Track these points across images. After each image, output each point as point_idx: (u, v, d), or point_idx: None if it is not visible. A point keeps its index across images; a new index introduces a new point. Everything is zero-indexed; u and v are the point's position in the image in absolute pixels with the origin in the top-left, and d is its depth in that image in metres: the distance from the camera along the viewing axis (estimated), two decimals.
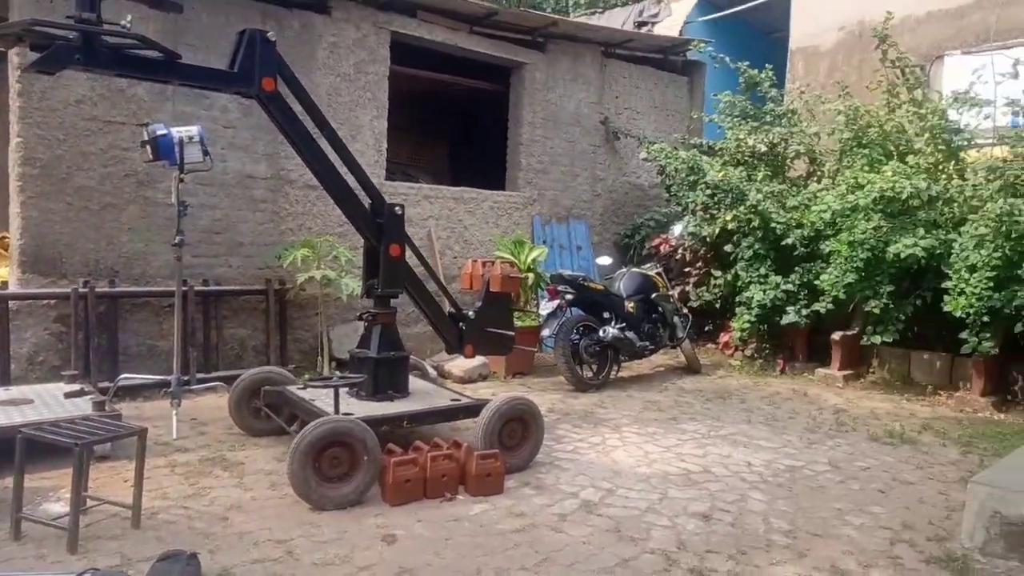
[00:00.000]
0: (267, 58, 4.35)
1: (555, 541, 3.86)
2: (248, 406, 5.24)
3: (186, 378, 5.65)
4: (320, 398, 4.84)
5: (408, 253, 5.07)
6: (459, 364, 7.44)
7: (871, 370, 7.99)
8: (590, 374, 7.31)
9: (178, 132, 4.87)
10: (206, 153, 5.01)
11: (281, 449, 4.91)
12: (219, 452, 4.95)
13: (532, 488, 4.62)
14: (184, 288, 6.33)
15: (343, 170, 4.91)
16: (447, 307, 5.53)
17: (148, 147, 4.85)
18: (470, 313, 5.42)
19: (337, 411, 4.39)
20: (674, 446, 5.56)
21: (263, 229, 7.14)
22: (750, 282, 8.24)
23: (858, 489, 4.81)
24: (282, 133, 4.71)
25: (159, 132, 4.84)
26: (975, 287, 6.48)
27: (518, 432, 4.87)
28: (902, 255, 6.91)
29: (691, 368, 8.25)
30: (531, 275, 7.71)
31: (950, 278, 6.73)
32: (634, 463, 5.14)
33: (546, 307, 7.14)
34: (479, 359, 7.56)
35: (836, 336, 7.89)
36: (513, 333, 5.60)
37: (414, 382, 5.46)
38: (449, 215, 8.46)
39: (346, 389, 5.11)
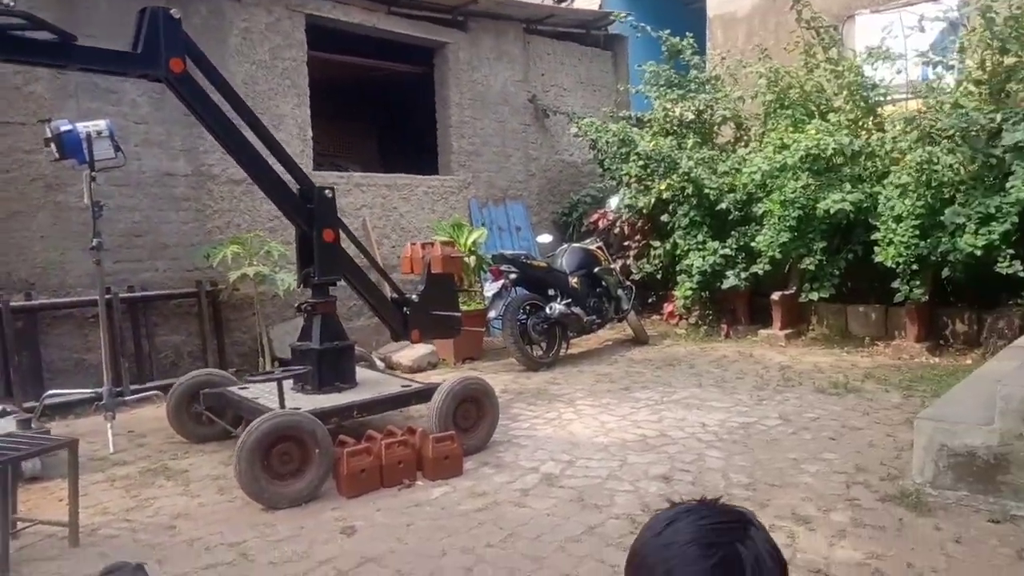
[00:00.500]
0: (172, 37, 4.08)
1: (519, 516, 3.79)
2: (188, 412, 4.99)
3: (119, 389, 5.34)
4: (264, 395, 4.64)
5: (344, 240, 4.90)
6: (407, 354, 7.30)
7: (811, 327, 8.19)
8: (540, 352, 7.26)
9: (84, 127, 4.57)
10: (118, 149, 4.72)
11: (227, 453, 4.68)
12: (161, 462, 4.69)
13: (492, 467, 4.54)
14: (108, 296, 5.98)
15: (268, 156, 4.69)
16: (389, 293, 5.38)
17: (52, 145, 4.52)
18: (413, 297, 5.28)
19: (283, 406, 4.20)
20: (629, 414, 5.57)
21: (188, 229, 6.82)
22: (689, 250, 8.33)
23: (810, 439, 4.90)
24: (198, 119, 4.45)
25: (63, 128, 4.52)
26: (902, 236, 6.69)
27: (472, 412, 4.78)
28: (831, 211, 7.07)
29: (639, 339, 8.30)
30: (473, 258, 7.61)
31: (878, 229, 6.93)
32: (591, 434, 5.11)
33: (490, 288, 7.05)
34: (427, 347, 7.44)
35: (775, 296, 8.06)
36: (459, 314, 5.50)
37: (362, 372, 5.30)
38: (383, 203, 8.27)
39: (291, 384, 4.93)
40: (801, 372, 6.71)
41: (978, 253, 6.19)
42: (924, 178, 6.62)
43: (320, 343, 4.75)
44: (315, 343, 4.75)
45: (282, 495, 3.91)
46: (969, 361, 6.71)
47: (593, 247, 8.08)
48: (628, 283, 8.42)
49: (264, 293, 6.94)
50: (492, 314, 7.03)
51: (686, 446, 4.80)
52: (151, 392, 5.54)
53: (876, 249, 6.94)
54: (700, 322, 8.82)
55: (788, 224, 7.39)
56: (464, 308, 7.12)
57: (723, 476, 4.27)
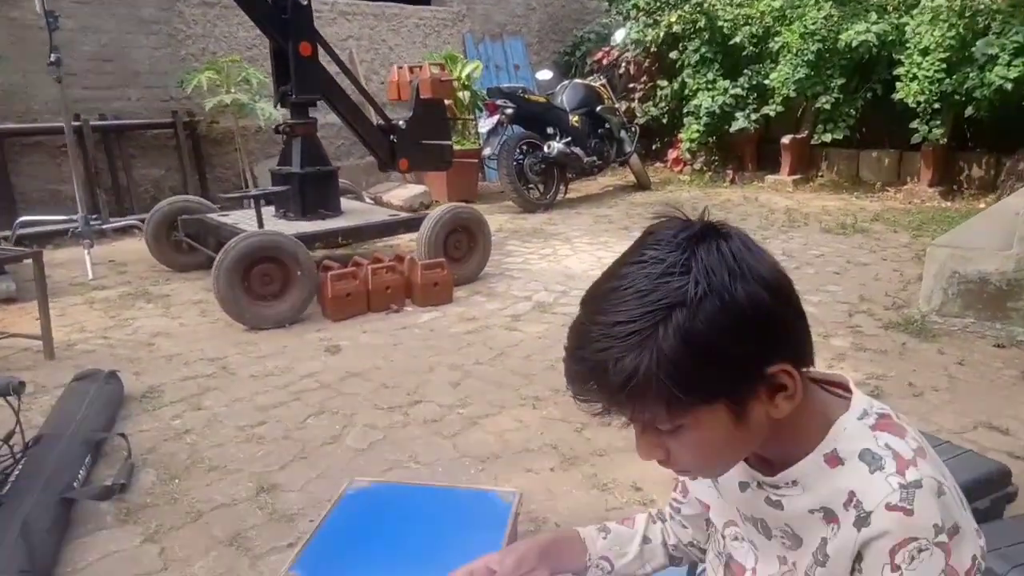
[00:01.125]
0: None
1: (510, 338, 3.67)
2: (167, 239, 4.78)
3: (95, 216, 5.10)
4: (244, 221, 4.41)
5: (325, 59, 4.49)
6: (397, 194, 6.98)
7: (820, 173, 7.87)
8: (537, 194, 6.98)
9: None
10: None
11: (210, 280, 4.52)
12: (141, 288, 4.54)
13: (483, 296, 4.40)
14: (77, 123, 5.64)
15: None
16: (375, 120, 5.03)
17: None
18: (400, 123, 4.93)
19: (260, 226, 3.99)
20: None
21: (160, 56, 6.34)
22: (698, 89, 7.84)
23: (813, 273, 4.73)
24: None
25: None
26: (927, 71, 6.23)
27: (464, 242, 4.58)
28: (854, 43, 6.56)
29: (641, 184, 7.99)
30: (467, 93, 7.16)
31: (902, 64, 6.45)
32: (588, 267, 4.94)
33: (485, 124, 6.65)
34: (419, 187, 7.13)
35: (786, 140, 7.67)
36: (450, 142, 5.17)
37: (348, 203, 5.06)
38: (371, 34, 7.68)
39: (273, 212, 4.70)
40: (807, 214, 6.47)
41: (1008, 87, 5.76)
42: (958, 5, 6.07)
43: (301, 167, 4.46)
44: (295, 167, 4.46)
45: (264, 316, 3.77)
46: (983, 205, 6.44)
47: (596, 84, 7.58)
48: (632, 125, 7.99)
49: (246, 128, 6.56)
50: (487, 151, 6.67)
51: None
52: (131, 222, 5.31)
53: (897, 86, 6.49)
54: (705, 168, 8.48)
55: (806, 59, 6.89)
56: (457, 147, 6.77)
57: None
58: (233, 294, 3.68)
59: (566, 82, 7.55)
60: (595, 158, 7.26)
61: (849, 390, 0.84)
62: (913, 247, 5.25)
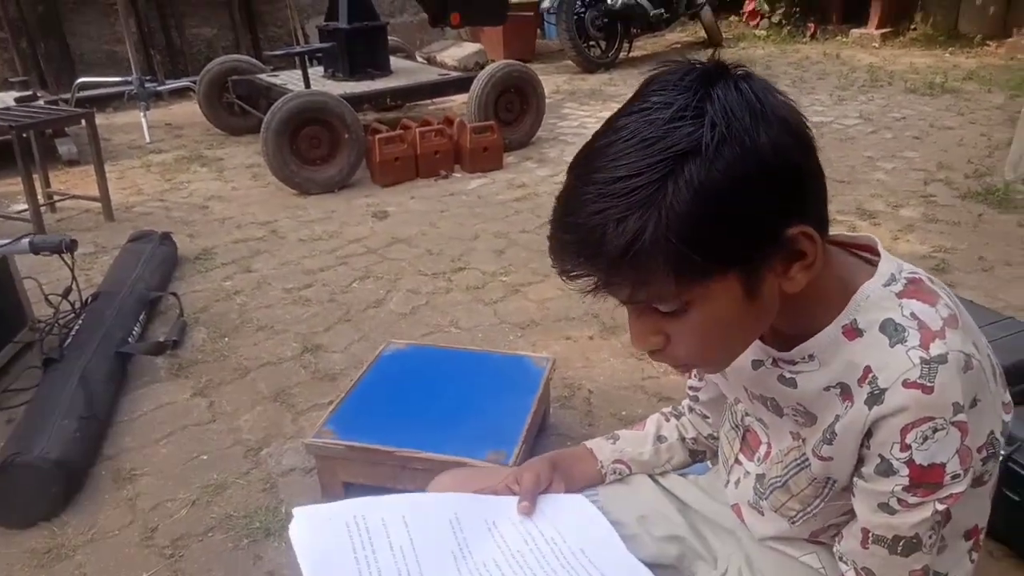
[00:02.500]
0: None
1: None
2: (220, 101, 4.76)
3: (150, 78, 5.10)
4: (293, 81, 4.32)
5: None
6: (452, 53, 6.75)
7: (913, 26, 7.15)
8: (598, 52, 6.60)
9: None
10: None
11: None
12: (196, 151, 4.59)
13: (534, 162, 4.28)
14: None
15: None
16: None
17: None
18: None
19: (307, 86, 3.90)
20: None
21: None
22: None
23: (891, 138, 4.39)
24: None
25: None
26: None
27: (516, 104, 4.39)
28: None
29: (712, 41, 7.45)
30: None
31: None
32: None
33: None
34: (474, 45, 6.86)
35: None
36: None
37: (398, 62, 4.88)
38: None
39: (321, 72, 4.59)
40: (892, 72, 5.94)
41: None
42: None
43: (348, 22, 4.28)
44: (342, 22, 4.29)
45: (313, 180, 3.77)
46: None
47: None
48: None
49: None
50: (546, 4, 6.27)
51: None
52: (185, 83, 5.28)
53: None
54: (784, 21, 7.81)
55: None
56: (514, 1, 6.38)
57: None
58: (282, 157, 3.67)
59: None
60: (662, 10, 6.75)
61: (877, 253, 0.74)
62: (1008, 108, 4.78)
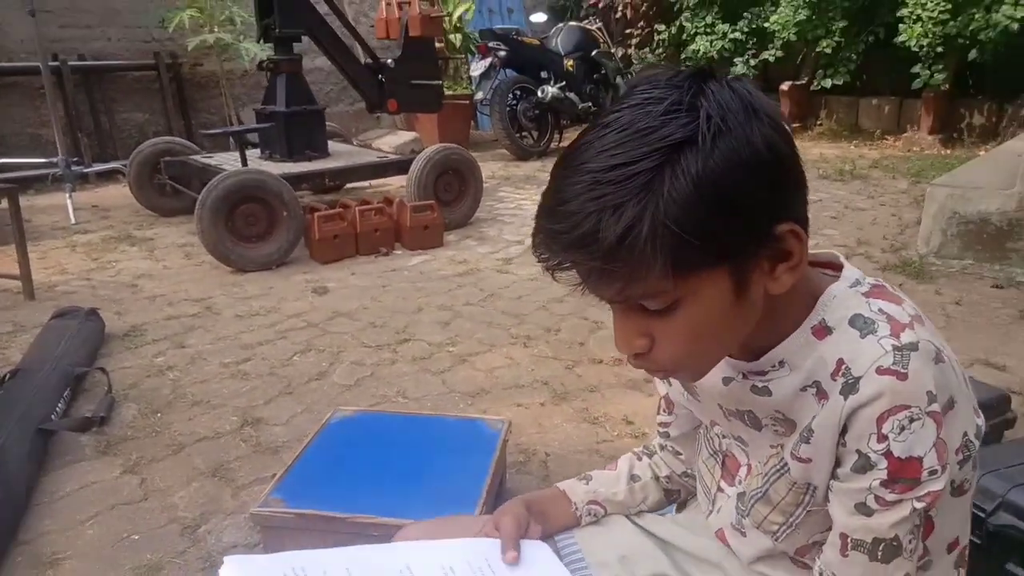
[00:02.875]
0: None
1: (502, 280, 3.61)
2: (151, 183, 4.67)
3: (76, 160, 4.97)
4: (229, 163, 4.29)
5: None
6: (388, 140, 6.88)
7: (819, 121, 7.74)
8: (530, 141, 6.85)
9: None
10: None
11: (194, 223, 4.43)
12: (125, 231, 4.45)
13: (475, 240, 4.32)
14: (55, 63, 5.46)
15: None
16: (363, 59, 4.87)
17: None
18: (389, 62, 4.78)
19: (244, 164, 3.88)
20: None
21: None
22: (696, 33, 7.66)
23: (811, 217, 4.63)
24: None
25: None
26: (932, 11, 6.07)
27: (454, 185, 4.48)
28: None
29: None
30: (458, 36, 6.96)
31: (906, 4, 6.28)
32: None
33: (477, 67, 6.48)
34: (410, 134, 7.02)
35: (784, 87, 7.53)
36: (441, 82, 5.03)
37: (336, 146, 4.93)
38: None
39: (259, 155, 4.58)
40: (805, 161, 6.19)
41: (1015, 27, 5.61)
42: None
43: (287, 105, 4.33)
44: (280, 105, 4.33)
45: (249, 258, 3.69)
46: (983, 153, 6.35)
47: (592, 28, 7.39)
48: (628, 72, 7.81)
49: (232, 71, 6.39)
50: (479, 95, 6.51)
51: None
52: (114, 166, 5.17)
53: (900, 28, 6.33)
54: None
55: (807, 0, 6.70)
56: (448, 91, 6.62)
57: None
58: (217, 234, 3.59)
59: (561, 25, 7.36)
60: (590, 104, 7.11)
61: (839, 268, 0.76)
62: (912, 192, 5.18)
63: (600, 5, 8.40)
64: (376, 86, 4.76)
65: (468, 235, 4.40)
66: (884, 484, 0.66)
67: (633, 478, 1.03)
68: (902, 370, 0.65)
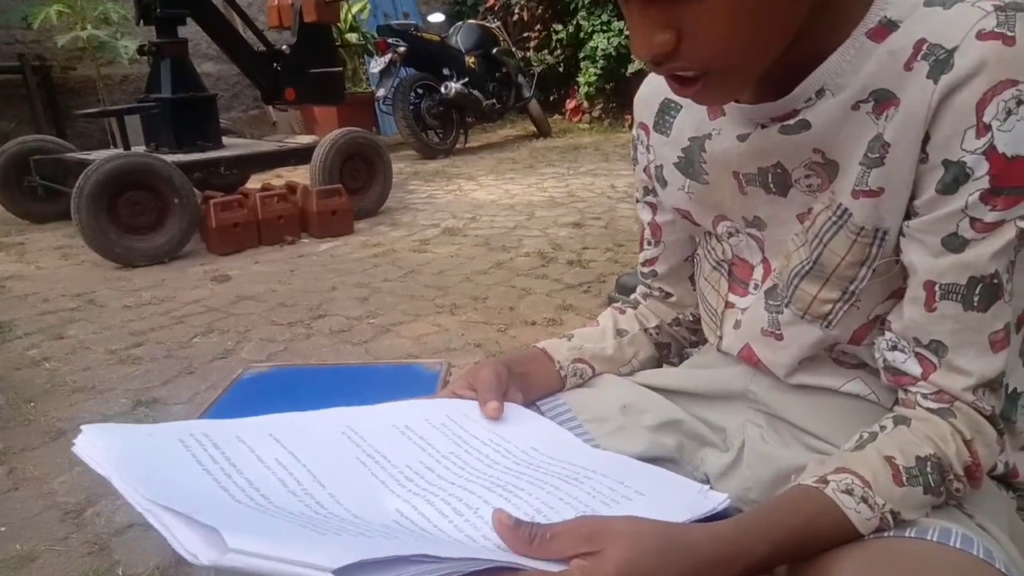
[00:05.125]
0: None
1: (420, 259, 3.41)
2: (19, 186, 4.18)
3: None
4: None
5: None
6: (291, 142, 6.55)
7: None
8: (436, 139, 6.68)
9: None
10: None
11: (75, 228, 4.00)
12: None
13: (387, 226, 4.10)
14: None
15: None
16: (257, 47, 4.59)
17: None
18: (284, 48, 4.52)
19: (127, 147, 3.52)
20: (535, 183, 5.19)
21: None
22: (593, 31, 7.73)
23: None
24: None
25: None
26: None
27: (362, 171, 4.25)
28: None
29: (541, 131, 7.82)
30: (354, 35, 6.74)
31: None
32: (496, 199, 4.72)
33: (376, 64, 6.26)
34: (310, 137, 6.69)
35: None
36: (340, 70, 4.80)
37: (231, 140, 4.60)
38: None
39: (144, 148, 4.20)
40: None
41: None
42: None
43: (172, 91, 3.98)
44: (166, 92, 3.98)
45: (138, 251, 3.33)
46: None
47: (492, 26, 7.33)
48: (530, 70, 7.79)
49: (110, 76, 5.93)
50: (380, 92, 6.28)
51: (596, 202, 4.49)
52: None
53: None
54: (604, 115, 8.40)
55: None
56: (348, 91, 6.37)
57: (636, 221, 4.00)
58: (98, 225, 3.22)
59: (460, 23, 7.25)
60: (494, 101, 7.01)
61: None
62: None
63: (496, 7, 8.39)
64: (271, 74, 4.48)
65: (380, 222, 4.17)
66: (984, 198, 0.52)
67: (619, 332, 0.87)
68: (1009, 33, 0.50)
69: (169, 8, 3.90)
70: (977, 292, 0.54)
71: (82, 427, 0.57)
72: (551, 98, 9.05)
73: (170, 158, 3.75)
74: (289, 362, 2.20)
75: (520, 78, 7.40)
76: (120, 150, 3.74)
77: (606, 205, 4.39)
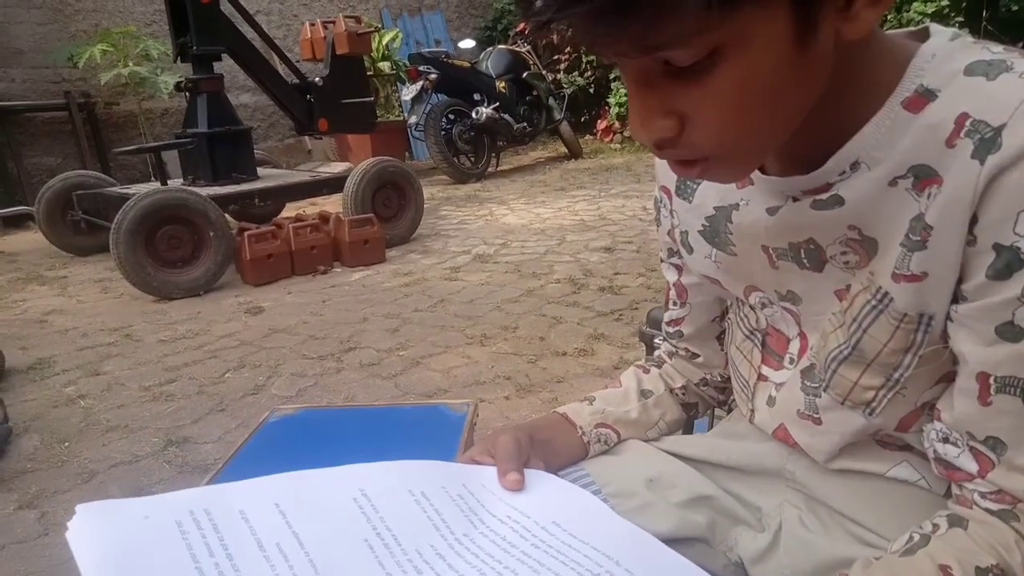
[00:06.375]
0: None
1: (451, 287, 3.40)
2: (63, 220, 4.31)
3: None
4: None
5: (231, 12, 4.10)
6: (321, 172, 6.64)
7: None
8: (468, 164, 6.71)
9: None
10: None
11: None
12: (34, 272, 4.07)
13: (419, 253, 4.11)
14: None
15: None
16: (290, 80, 4.67)
17: None
18: (317, 80, 4.59)
19: (164, 182, 3.60)
20: (566, 206, 5.17)
21: (46, 32, 5.80)
22: None
23: None
24: None
25: None
26: None
27: (394, 200, 4.27)
28: None
29: (572, 153, 7.81)
30: (387, 64, 6.83)
31: None
32: (527, 223, 4.71)
33: (408, 92, 6.33)
34: (343, 164, 6.79)
35: None
36: (372, 99, 4.86)
37: (266, 170, 4.68)
38: (281, 8, 7.28)
39: (181, 181, 4.29)
40: None
41: None
42: None
43: (209, 126, 4.07)
44: (202, 127, 4.07)
45: (175, 284, 3.39)
46: None
47: (522, 50, 7.36)
48: (560, 92, 7.80)
49: (150, 110, 6.10)
50: (412, 120, 6.35)
51: (628, 225, 4.45)
52: (21, 209, 4.79)
53: None
54: None
55: None
56: (380, 119, 6.45)
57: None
58: (136, 259, 3.28)
59: (490, 48, 7.30)
60: (525, 124, 7.03)
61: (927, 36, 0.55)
62: None
63: (527, 32, 8.42)
64: (305, 106, 4.55)
65: (411, 250, 4.19)
66: None
67: (644, 393, 0.82)
68: None
69: (205, 46, 3.99)
70: None
71: (77, 507, 0.55)
72: (582, 119, 9.05)
73: (206, 191, 3.82)
74: (318, 399, 2.19)
75: (551, 100, 7.41)
76: (158, 185, 3.82)
77: (638, 228, 4.34)
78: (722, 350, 0.80)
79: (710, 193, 0.67)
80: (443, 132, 6.37)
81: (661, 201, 0.76)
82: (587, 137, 9.03)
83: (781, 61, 0.46)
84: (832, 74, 0.50)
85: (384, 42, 6.86)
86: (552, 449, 0.74)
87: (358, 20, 4.71)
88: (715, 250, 0.69)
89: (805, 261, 0.60)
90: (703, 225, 0.69)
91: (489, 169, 6.89)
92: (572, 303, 3.02)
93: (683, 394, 0.84)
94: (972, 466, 0.52)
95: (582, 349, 2.53)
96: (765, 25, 0.44)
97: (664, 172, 0.74)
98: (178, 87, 4.18)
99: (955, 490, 0.55)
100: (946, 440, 0.54)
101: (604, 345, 2.55)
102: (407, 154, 7.61)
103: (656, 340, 0.91)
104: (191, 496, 0.60)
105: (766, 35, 0.44)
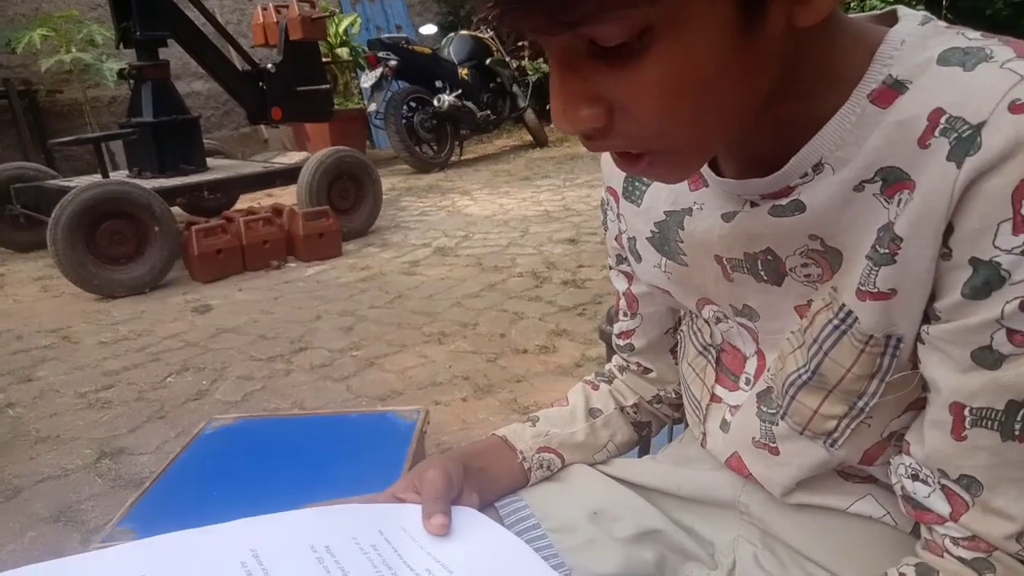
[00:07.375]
0: None
1: (409, 282, 3.29)
2: (1, 214, 4.09)
3: None
4: None
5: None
6: (278, 162, 6.46)
7: None
8: (431, 153, 6.57)
9: None
10: None
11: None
12: None
13: (377, 247, 3.99)
14: None
15: None
16: (241, 66, 4.49)
17: None
18: (270, 67, 4.42)
19: (105, 175, 3.42)
20: (530, 196, 5.08)
21: None
22: None
23: None
24: None
25: None
26: None
27: (351, 191, 4.14)
28: None
29: (538, 141, 7.72)
30: (345, 50, 6.65)
31: None
32: (490, 214, 4.61)
33: (367, 79, 6.16)
34: (301, 154, 6.61)
35: None
36: (328, 87, 4.70)
37: (217, 161, 4.50)
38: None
39: (127, 173, 4.11)
40: None
41: None
42: None
43: (155, 115, 3.89)
44: (147, 116, 3.89)
45: (117, 282, 3.23)
46: None
47: (485, 36, 7.23)
48: (525, 79, 7.68)
49: (97, 99, 5.85)
50: (372, 107, 6.19)
51: (592, 216, 4.38)
52: None
53: None
54: None
55: None
56: (340, 107, 6.29)
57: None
58: (76, 256, 3.11)
59: (452, 34, 7.15)
60: (488, 112, 6.91)
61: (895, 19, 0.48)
62: None
63: (489, 16, 8.29)
64: (257, 94, 4.38)
65: (369, 243, 4.06)
66: None
67: (592, 412, 0.75)
68: None
69: (148, 31, 3.80)
70: (1019, 419, 0.42)
71: None
72: (547, 107, 8.92)
73: (151, 184, 3.65)
74: (264, 404, 2.08)
75: (515, 88, 7.30)
76: (99, 178, 3.64)
77: (602, 218, 4.27)
78: (676, 364, 0.73)
79: (661, 196, 0.60)
80: (404, 120, 6.22)
81: (607, 203, 0.69)
82: (552, 125, 8.95)
83: (723, 47, 0.39)
84: (788, 64, 0.43)
85: (342, 27, 6.67)
86: (489, 478, 0.66)
87: (312, 4, 4.54)
88: (664, 259, 0.62)
89: (762, 273, 0.53)
90: (652, 231, 0.62)
91: (452, 158, 6.76)
92: (534, 297, 2.94)
93: (635, 413, 0.76)
94: (944, 508, 0.46)
95: (543, 346, 2.45)
96: (703, 5, 0.37)
97: (611, 172, 0.67)
98: (121, 74, 3.99)
99: (925, 533, 0.48)
100: (915, 477, 0.48)
101: (566, 341, 2.48)
102: (367, 143, 7.44)
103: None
104: (46, 572, 0.50)
105: (705, 16, 0.37)
